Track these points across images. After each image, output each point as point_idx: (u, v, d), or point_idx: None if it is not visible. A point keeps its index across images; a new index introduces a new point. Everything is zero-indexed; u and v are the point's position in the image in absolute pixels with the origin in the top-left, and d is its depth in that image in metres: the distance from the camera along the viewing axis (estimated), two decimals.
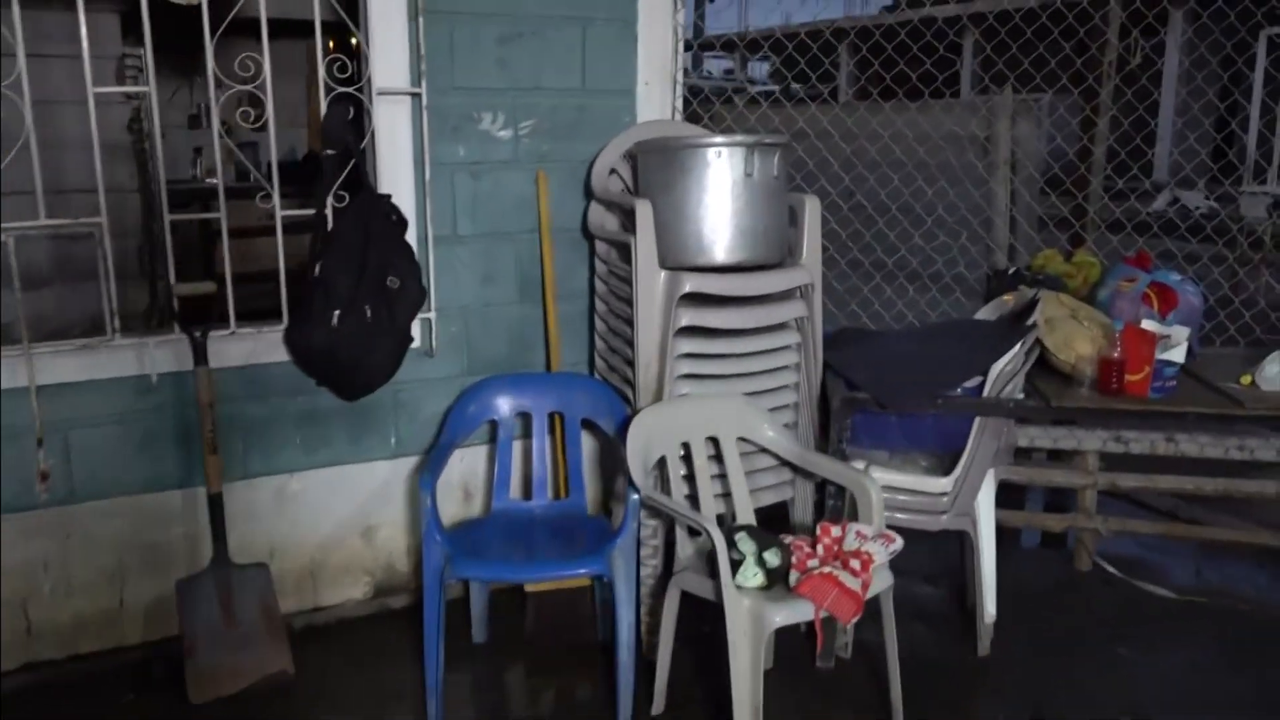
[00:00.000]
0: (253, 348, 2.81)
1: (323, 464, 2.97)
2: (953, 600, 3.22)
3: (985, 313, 3.07)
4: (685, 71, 3.39)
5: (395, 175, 2.88)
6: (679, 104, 3.29)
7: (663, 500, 2.45)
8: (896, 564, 2.44)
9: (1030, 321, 2.69)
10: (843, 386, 2.79)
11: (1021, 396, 2.72)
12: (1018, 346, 2.62)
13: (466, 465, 3.13)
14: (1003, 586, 2.89)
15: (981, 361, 2.63)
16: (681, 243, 2.74)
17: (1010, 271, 3.15)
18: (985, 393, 2.68)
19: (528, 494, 2.96)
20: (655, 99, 3.24)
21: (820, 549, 2.46)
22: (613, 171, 3.09)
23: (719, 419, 2.71)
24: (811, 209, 2.89)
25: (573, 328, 3.22)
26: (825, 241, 2.90)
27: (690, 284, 2.68)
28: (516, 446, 3.01)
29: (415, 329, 2.94)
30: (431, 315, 2.98)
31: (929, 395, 2.62)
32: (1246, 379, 2.73)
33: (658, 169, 2.78)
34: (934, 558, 3.26)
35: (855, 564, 2.38)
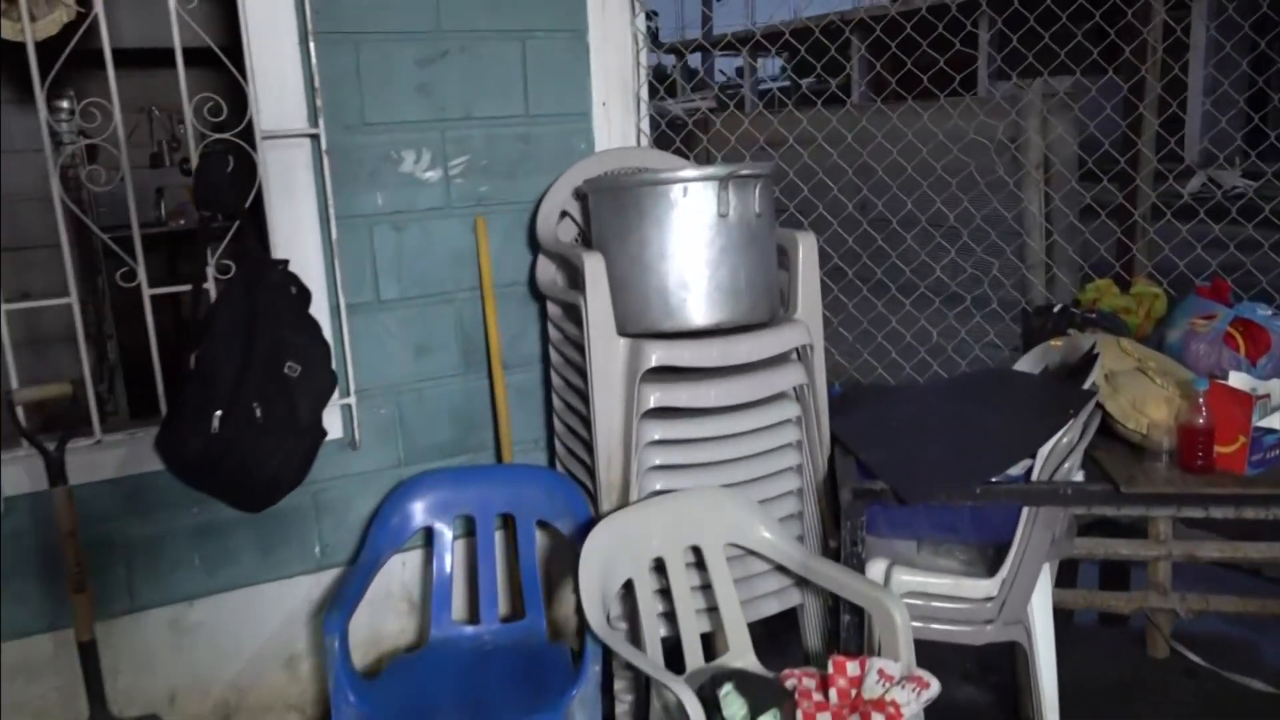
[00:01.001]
0: (127, 454, 2.30)
1: (229, 586, 2.45)
2: (1002, 705, 2.65)
3: (1028, 362, 2.50)
4: (657, 86, 2.86)
5: (294, 236, 2.37)
6: (645, 126, 2.75)
7: (620, 648, 1.90)
8: (930, 657, 1.90)
9: (1089, 384, 2.13)
10: (855, 469, 2.24)
11: (1081, 477, 2.16)
12: (1073, 421, 2.05)
13: (409, 572, 2.61)
14: (1061, 680, 2.32)
15: (1028, 442, 2.07)
16: (644, 303, 2.20)
17: (1055, 309, 2.59)
18: (1035, 475, 2.12)
19: (475, 614, 2.42)
20: (616, 122, 2.70)
21: (833, 695, 1.91)
22: (564, 215, 2.56)
23: (700, 522, 2.17)
24: (806, 248, 2.34)
25: (527, 402, 2.69)
26: (841, 263, 2.35)
27: (656, 355, 2.15)
28: (460, 554, 2.48)
29: (332, 418, 2.43)
30: (351, 400, 2.46)
31: (962, 486, 2.07)
32: None
33: (611, 212, 2.24)
34: (976, 649, 2.69)
35: (879, 719, 1.84)
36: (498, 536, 2.46)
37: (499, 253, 2.61)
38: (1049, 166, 3.40)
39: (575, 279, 2.26)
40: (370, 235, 2.47)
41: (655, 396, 2.17)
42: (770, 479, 2.32)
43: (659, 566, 2.14)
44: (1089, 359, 2.18)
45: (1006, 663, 2.65)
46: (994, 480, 2.08)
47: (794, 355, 2.33)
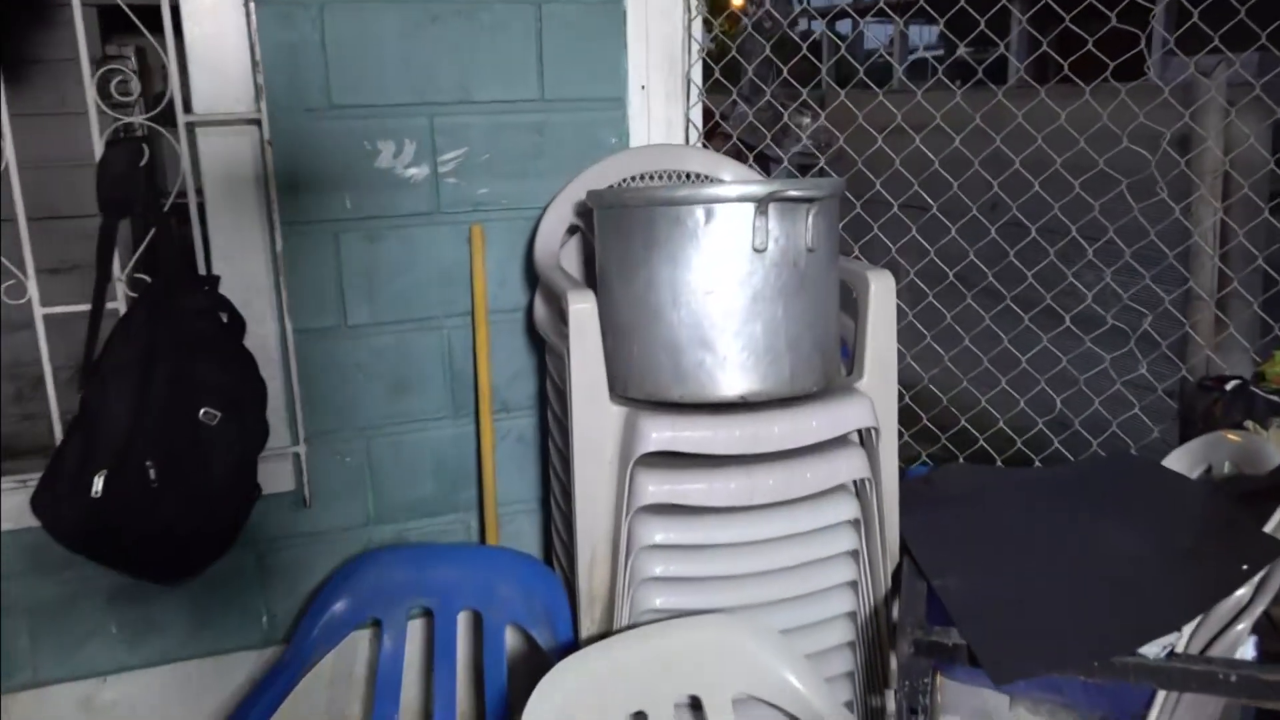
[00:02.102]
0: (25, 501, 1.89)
1: (153, 661, 2.04)
2: None
3: (1183, 457, 1.84)
4: (712, 66, 2.27)
5: (237, 247, 1.90)
6: (697, 116, 2.18)
7: None
8: None
9: (1272, 523, 1.46)
10: (924, 600, 1.65)
11: (1253, 650, 1.50)
12: (1247, 587, 1.40)
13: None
14: None
15: (1180, 607, 1.43)
16: (648, 362, 1.65)
17: (1230, 385, 1.90)
18: (1181, 645, 1.48)
19: None
20: (658, 111, 2.14)
21: None
22: (574, 230, 2.02)
23: (702, 662, 1.61)
24: (880, 291, 1.74)
25: (522, 455, 2.18)
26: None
27: (658, 434, 1.60)
28: (414, 655, 2.00)
29: (277, 470, 1.98)
30: (300, 449, 1.99)
31: (1075, 664, 1.44)
32: None
33: (614, 238, 1.69)
34: None
35: None
36: (461, 637, 1.96)
37: (499, 271, 2.09)
38: (1229, 181, 2.64)
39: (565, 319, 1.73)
40: (336, 246, 1.99)
41: (655, 488, 1.62)
42: (813, 600, 1.74)
43: None
44: (1278, 481, 1.52)
45: None
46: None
47: (855, 439, 1.74)
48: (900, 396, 1.82)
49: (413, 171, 2.01)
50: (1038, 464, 2.19)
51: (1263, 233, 2.32)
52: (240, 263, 1.90)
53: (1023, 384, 2.29)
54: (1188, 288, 2.50)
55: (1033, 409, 2.27)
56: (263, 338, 1.93)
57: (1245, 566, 1.40)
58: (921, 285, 2.41)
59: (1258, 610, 1.45)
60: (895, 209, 2.44)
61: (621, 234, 1.65)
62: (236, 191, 1.89)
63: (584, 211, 1.91)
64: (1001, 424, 2.26)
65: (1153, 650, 1.42)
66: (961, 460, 2.20)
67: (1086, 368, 2.41)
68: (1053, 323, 2.45)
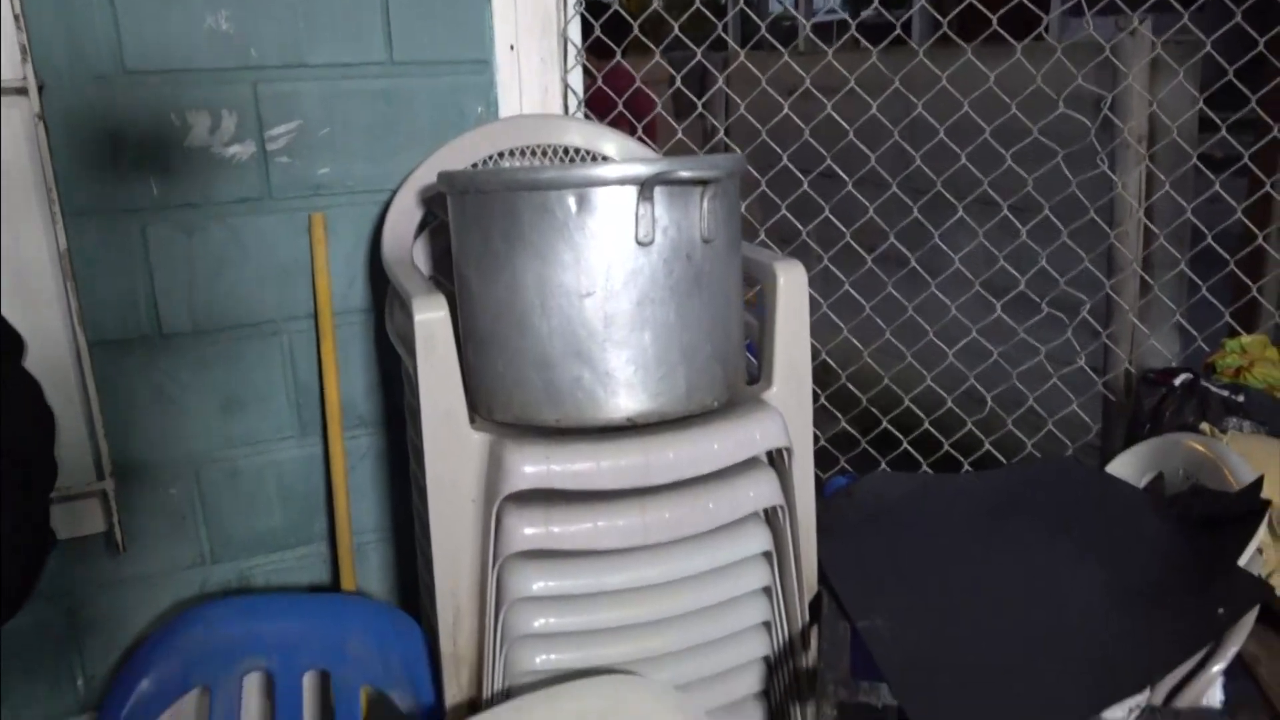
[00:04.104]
0: None
1: None
2: None
3: (1129, 463, 1.64)
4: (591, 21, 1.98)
5: (18, 244, 1.55)
6: (577, 81, 1.88)
7: None
8: None
9: (1248, 556, 1.26)
10: (847, 644, 1.41)
11: (1220, 698, 1.31)
12: (1224, 638, 1.20)
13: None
14: None
15: (1142, 665, 1.22)
16: (516, 381, 1.36)
17: (1179, 380, 1.70)
18: (1147, 697, 1.27)
19: None
20: (531, 75, 1.84)
21: None
22: (431, 219, 1.71)
23: None
24: (790, 285, 1.49)
25: (379, 477, 1.89)
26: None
27: (530, 465, 1.32)
28: (253, 707, 1.70)
29: (83, 512, 1.65)
30: (108, 485, 1.66)
31: None
32: None
33: (472, 231, 1.39)
34: None
35: None
36: (309, 701, 1.66)
37: (347, 267, 1.78)
38: (1155, 138, 2.46)
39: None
40: (143, 240, 1.65)
41: (529, 531, 1.34)
42: (720, 646, 1.49)
43: None
44: (1249, 504, 1.31)
45: None
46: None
47: (763, 462, 1.49)
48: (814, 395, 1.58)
49: (235, 150, 1.68)
50: (968, 467, 1.98)
51: (1189, 188, 2.15)
52: (16, 267, 1.55)
53: (933, 357, 2.08)
54: (1108, 246, 2.30)
55: (943, 384, 2.07)
56: (51, 357, 1.59)
57: (1221, 610, 1.20)
58: (818, 249, 2.17)
59: (1230, 652, 1.25)
60: (805, 184, 2.19)
61: (479, 225, 1.36)
62: (13, 177, 1.54)
63: (439, 196, 1.61)
64: (908, 402, 2.04)
65: (1116, 715, 1.21)
66: (885, 466, 1.98)
67: (1002, 340, 2.21)
68: (966, 292, 2.23)
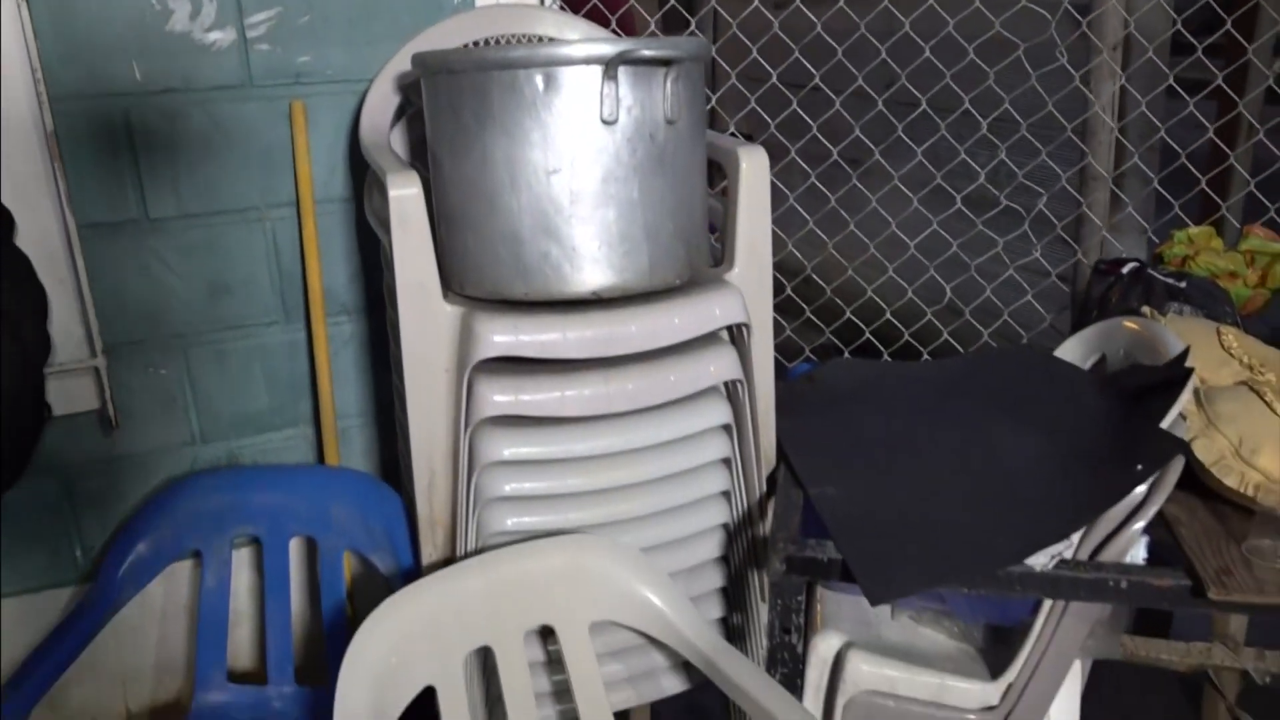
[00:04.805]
0: None
1: None
2: None
3: (1077, 346, 1.72)
4: None
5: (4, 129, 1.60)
6: None
7: None
8: None
9: (1171, 419, 1.34)
10: (800, 510, 1.50)
11: (1144, 554, 1.40)
12: (1142, 485, 1.29)
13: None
14: None
15: (1067, 515, 1.31)
16: (487, 256, 1.43)
17: (1127, 269, 1.77)
18: (1070, 551, 1.37)
19: (262, 673, 1.75)
20: None
21: None
22: (408, 107, 1.76)
23: (553, 590, 1.45)
24: (752, 169, 1.55)
25: (362, 363, 1.96)
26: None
27: (499, 335, 1.39)
28: (243, 588, 1.80)
29: (77, 386, 1.73)
30: (99, 362, 1.73)
31: (956, 578, 1.32)
32: None
33: (445, 111, 1.45)
34: None
35: None
36: (296, 566, 1.76)
37: (328, 155, 1.83)
38: (1129, 53, 2.49)
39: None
40: (126, 124, 1.70)
41: (498, 398, 1.42)
42: (682, 513, 1.59)
43: (485, 659, 1.43)
44: (1178, 374, 1.39)
45: None
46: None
47: (724, 337, 1.57)
48: (782, 287, 1.65)
49: (216, 36, 1.71)
50: (927, 356, 2.06)
51: (1160, 108, 2.19)
52: (4, 147, 1.60)
53: (912, 270, 2.14)
54: (1084, 165, 2.35)
55: (922, 296, 2.13)
56: (41, 236, 1.65)
57: (1140, 467, 1.28)
58: (805, 166, 2.22)
59: (1151, 510, 1.34)
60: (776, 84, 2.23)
61: (451, 106, 1.41)
62: None
63: (415, 83, 1.65)
64: (889, 316, 2.11)
65: (1040, 561, 1.30)
66: (847, 355, 2.06)
67: (978, 252, 2.27)
68: (944, 204, 2.28)
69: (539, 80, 1.34)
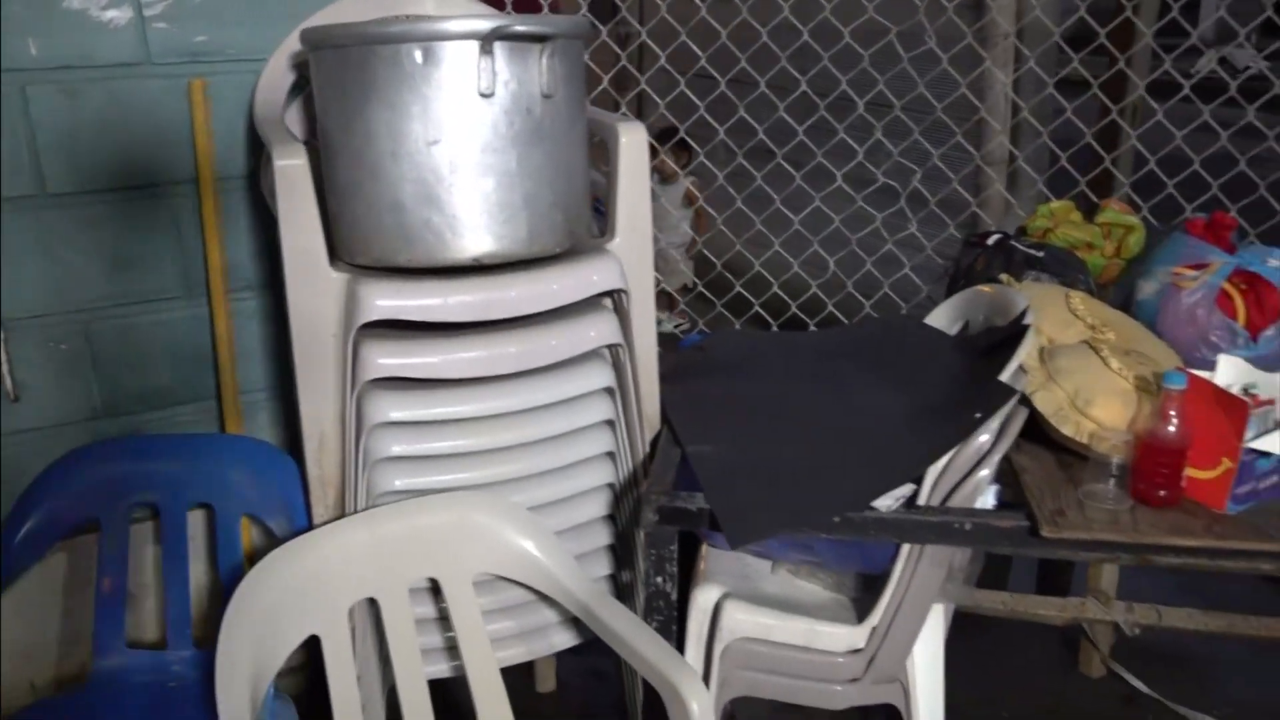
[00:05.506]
0: None
1: None
2: None
3: (945, 313, 1.82)
4: None
5: None
6: None
7: None
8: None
9: (1010, 372, 1.45)
10: (676, 468, 1.59)
11: (993, 499, 1.50)
12: (989, 434, 1.38)
13: None
14: (965, 699, 1.76)
15: (910, 461, 1.41)
16: (372, 225, 1.49)
17: (992, 240, 1.88)
18: (922, 498, 1.47)
19: (162, 638, 1.79)
20: None
21: None
22: (305, 84, 1.81)
23: (442, 547, 1.51)
24: (631, 144, 1.63)
25: (266, 338, 2.00)
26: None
27: (383, 299, 1.46)
28: (141, 554, 1.84)
29: None
30: None
31: (809, 520, 1.41)
32: None
33: (331, 85, 1.51)
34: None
35: None
36: (197, 533, 1.81)
37: (228, 133, 1.87)
38: (1022, 37, 2.62)
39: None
40: (24, 101, 1.73)
41: (384, 361, 1.48)
42: (568, 473, 1.66)
43: (378, 616, 1.49)
44: (1017, 331, 1.49)
45: None
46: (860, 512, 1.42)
47: (606, 303, 1.64)
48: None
49: (112, 14, 1.75)
50: (813, 327, 2.16)
51: (1050, 112, 2.31)
52: None
53: (798, 246, 2.24)
54: (980, 155, 2.47)
55: (809, 271, 2.24)
56: None
57: (978, 414, 1.38)
58: (695, 146, 2.31)
59: (995, 458, 1.44)
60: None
61: (336, 80, 1.48)
62: None
63: (309, 60, 1.71)
64: (776, 288, 2.21)
65: (885, 504, 1.40)
66: (738, 326, 2.15)
67: (875, 230, 2.38)
68: (830, 184, 2.38)
69: (418, 54, 1.41)
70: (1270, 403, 1.41)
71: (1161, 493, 1.43)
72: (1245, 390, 1.44)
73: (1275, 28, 2.38)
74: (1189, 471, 1.43)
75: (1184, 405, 1.40)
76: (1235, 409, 1.39)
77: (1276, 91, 2.24)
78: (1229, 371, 1.47)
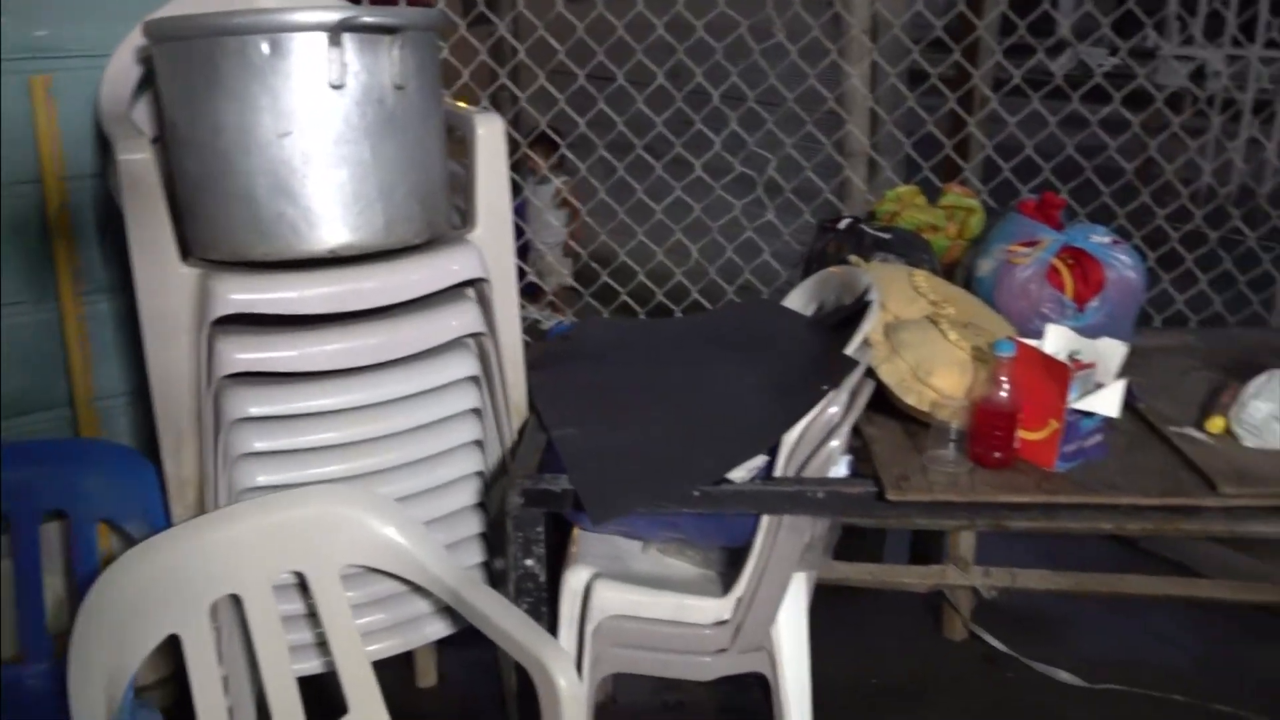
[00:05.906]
0: None
1: None
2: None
3: (800, 295, 1.89)
4: None
5: None
6: None
7: None
8: None
9: (855, 346, 1.52)
10: (543, 452, 1.62)
11: (846, 469, 1.58)
12: (828, 398, 1.45)
13: None
14: (835, 667, 1.83)
15: (761, 433, 1.47)
16: (225, 219, 1.48)
17: (844, 225, 1.96)
18: (778, 469, 1.53)
19: (21, 651, 1.73)
20: None
21: None
22: (151, 78, 1.78)
23: (307, 540, 1.51)
24: (488, 136, 1.65)
25: (120, 341, 1.95)
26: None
27: (236, 293, 1.45)
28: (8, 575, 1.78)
29: None
30: None
31: (667, 494, 1.46)
32: (1217, 424, 1.63)
33: (178, 78, 1.49)
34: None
35: None
36: (53, 541, 1.76)
37: (75, 131, 1.81)
38: (880, 31, 2.73)
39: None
40: None
41: (239, 355, 1.47)
42: (435, 462, 1.67)
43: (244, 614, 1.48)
44: (860, 307, 1.57)
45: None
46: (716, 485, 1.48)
47: (467, 293, 1.66)
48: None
49: None
50: (679, 314, 2.22)
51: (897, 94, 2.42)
52: None
53: (662, 235, 2.31)
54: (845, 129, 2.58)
55: (673, 260, 2.30)
56: None
57: (825, 386, 1.45)
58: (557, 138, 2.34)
59: (845, 428, 1.51)
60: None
61: (182, 71, 1.46)
62: None
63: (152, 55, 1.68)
64: (642, 276, 2.26)
65: (739, 475, 1.45)
66: (605, 315, 2.19)
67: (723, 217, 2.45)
68: (692, 175, 2.45)
69: (265, 46, 1.41)
70: (1091, 366, 1.52)
71: (997, 454, 1.52)
72: (1070, 356, 1.55)
73: (1125, 28, 2.55)
74: (1021, 433, 1.53)
75: (1014, 371, 1.50)
76: (1059, 373, 1.49)
77: (1097, 84, 2.40)
78: (1056, 340, 1.57)
